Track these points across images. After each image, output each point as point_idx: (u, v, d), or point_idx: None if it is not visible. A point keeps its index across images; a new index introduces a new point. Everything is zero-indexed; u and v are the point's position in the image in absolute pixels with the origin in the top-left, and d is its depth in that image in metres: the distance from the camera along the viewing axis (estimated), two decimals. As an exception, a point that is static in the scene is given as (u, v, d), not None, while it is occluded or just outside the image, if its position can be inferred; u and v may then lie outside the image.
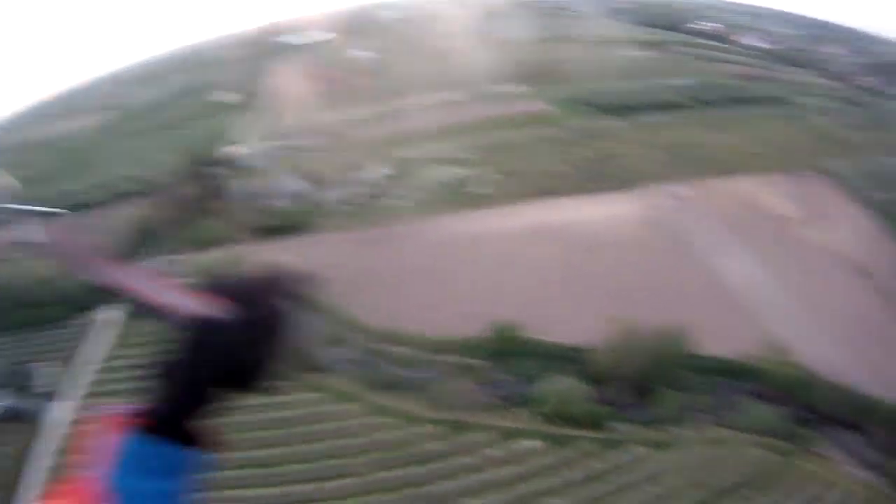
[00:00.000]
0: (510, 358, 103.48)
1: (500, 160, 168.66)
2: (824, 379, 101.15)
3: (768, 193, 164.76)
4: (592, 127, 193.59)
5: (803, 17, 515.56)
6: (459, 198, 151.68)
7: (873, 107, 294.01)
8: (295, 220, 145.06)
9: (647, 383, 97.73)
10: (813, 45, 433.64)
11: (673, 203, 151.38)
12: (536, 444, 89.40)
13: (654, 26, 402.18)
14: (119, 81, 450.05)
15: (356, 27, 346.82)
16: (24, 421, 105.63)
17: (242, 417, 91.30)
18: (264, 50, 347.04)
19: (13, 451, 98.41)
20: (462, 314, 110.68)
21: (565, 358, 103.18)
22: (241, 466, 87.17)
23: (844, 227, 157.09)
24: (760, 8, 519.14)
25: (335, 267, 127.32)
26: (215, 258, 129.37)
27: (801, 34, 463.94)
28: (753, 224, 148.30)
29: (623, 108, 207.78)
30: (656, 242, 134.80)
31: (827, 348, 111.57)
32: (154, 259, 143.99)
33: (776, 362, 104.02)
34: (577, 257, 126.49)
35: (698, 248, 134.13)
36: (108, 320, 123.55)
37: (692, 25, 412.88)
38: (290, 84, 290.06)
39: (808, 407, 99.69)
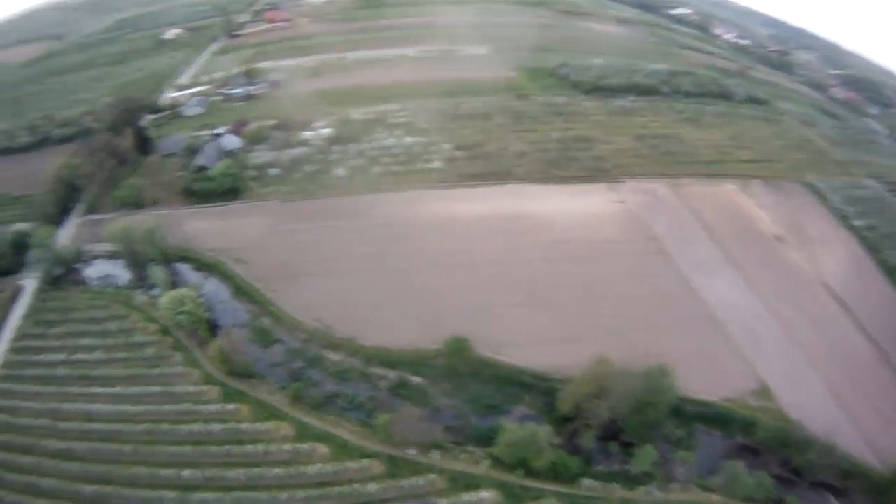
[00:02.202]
0: (464, 380, 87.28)
1: (458, 131, 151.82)
2: (809, 436, 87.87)
3: (751, 203, 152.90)
4: (561, 103, 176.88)
5: (775, 19, 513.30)
6: (411, 172, 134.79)
7: (851, 122, 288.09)
8: (227, 183, 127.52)
9: (622, 430, 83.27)
10: (788, 49, 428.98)
11: (651, 202, 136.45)
12: (493, 496, 74.16)
13: (633, 5, 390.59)
14: (64, 9, 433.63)
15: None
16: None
17: (155, 426, 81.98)
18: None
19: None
20: (410, 317, 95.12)
21: (530, 387, 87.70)
22: (151, 485, 75.96)
23: (829, 251, 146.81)
24: (736, 3, 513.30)
25: (268, 246, 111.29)
26: (140, 221, 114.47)
27: (775, 35, 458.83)
28: (737, 237, 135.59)
29: (595, 87, 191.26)
30: (631, 248, 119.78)
31: (814, 397, 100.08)
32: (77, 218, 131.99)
33: (762, 411, 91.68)
34: (547, 259, 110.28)
35: (680, 261, 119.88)
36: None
37: (669, 10, 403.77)
38: (241, 23, 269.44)
39: (791, 465, 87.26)
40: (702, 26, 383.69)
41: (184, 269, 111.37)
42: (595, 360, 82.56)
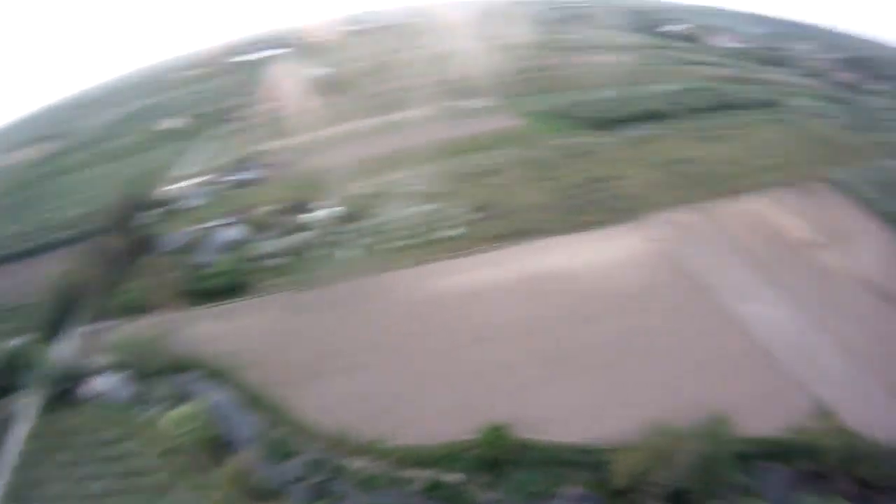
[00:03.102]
0: (506, 468, 77.49)
1: (471, 191, 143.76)
2: (878, 446, 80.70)
3: (779, 213, 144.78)
4: (574, 144, 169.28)
5: (769, 17, 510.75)
6: (427, 243, 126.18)
7: (858, 104, 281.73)
8: (232, 279, 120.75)
9: (687, 491, 73.57)
10: (785, 44, 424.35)
11: (680, 235, 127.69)
12: None
13: (626, 29, 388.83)
14: (67, 108, 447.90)
15: (313, 42, 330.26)
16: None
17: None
18: (218, 70, 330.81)
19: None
20: (439, 408, 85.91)
21: (578, 465, 77.74)
22: None
23: (866, 246, 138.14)
24: (726, 9, 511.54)
25: (280, 344, 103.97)
26: (143, 327, 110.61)
27: (770, 33, 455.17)
28: (772, 254, 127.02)
29: (605, 121, 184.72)
30: (668, 290, 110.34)
31: (877, 405, 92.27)
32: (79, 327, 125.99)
33: (825, 433, 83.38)
34: (582, 318, 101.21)
35: (721, 294, 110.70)
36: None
37: (665, 28, 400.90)
38: (239, 106, 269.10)
39: (864, 481, 79.11)
40: (698, 37, 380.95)
41: (192, 378, 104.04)
42: (649, 427, 74.31)
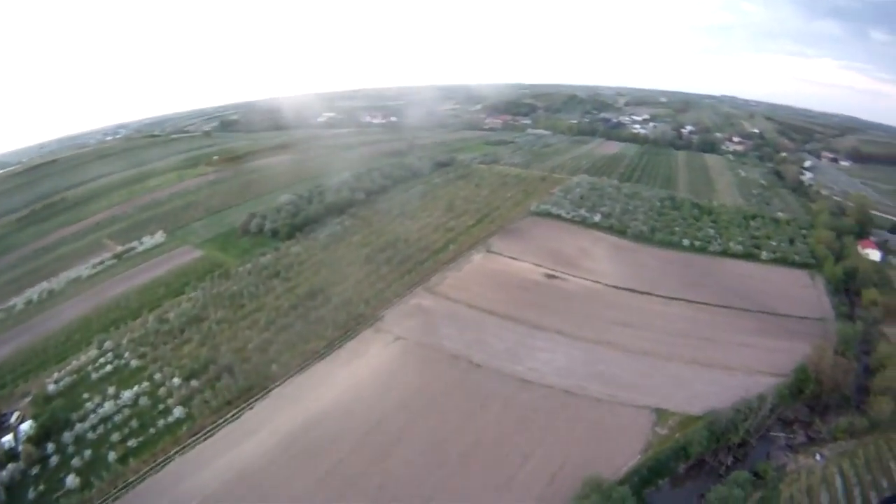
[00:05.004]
0: None
1: (179, 352, 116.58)
2: (727, 412, 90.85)
3: (505, 260, 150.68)
4: (268, 262, 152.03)
5: (396, 87, 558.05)
6: (154, 438, 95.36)
7: (522, 140, 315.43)
8: None
9: None
10: (433, 106, 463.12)
11: (422, 321, 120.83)
12: None
13: (279, 128, 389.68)
14: None
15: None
16: None
17: None
18: None
19: None
20: None
21: None
22: None
23: (595, 258, 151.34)
24: (354, 90, 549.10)
25: None
26: None
27: (401, 105, 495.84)
28: (519, 301, 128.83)
29: (290, 227, 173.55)
30: (444, 382, 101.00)
31: (700, 382, 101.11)
32: None
33: (677, 429, 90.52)
34: (373, 453, 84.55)
35: (494, 362, 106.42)
36: None
37: (316, 119, 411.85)
38: None
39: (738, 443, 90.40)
40: (349, 123, 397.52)
41: None
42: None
